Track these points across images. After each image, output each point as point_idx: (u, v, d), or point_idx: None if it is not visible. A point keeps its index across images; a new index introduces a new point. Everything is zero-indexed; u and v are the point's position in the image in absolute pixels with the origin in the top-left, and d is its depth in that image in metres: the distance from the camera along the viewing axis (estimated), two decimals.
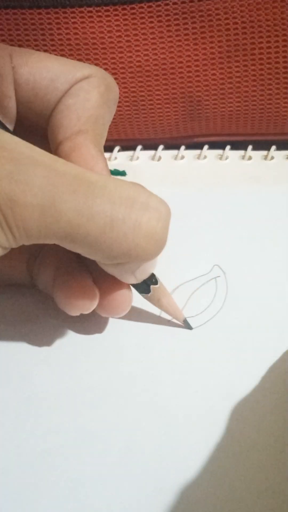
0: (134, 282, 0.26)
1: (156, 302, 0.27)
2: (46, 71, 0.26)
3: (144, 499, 0.23)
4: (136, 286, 0.27)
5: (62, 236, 0.21)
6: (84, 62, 0.35)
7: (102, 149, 0.26)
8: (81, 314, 0.26)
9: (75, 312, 0.26)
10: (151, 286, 0.27)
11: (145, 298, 0.27)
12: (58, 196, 0.20)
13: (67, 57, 0.35)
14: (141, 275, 0.25)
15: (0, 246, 0.21)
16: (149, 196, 0.22)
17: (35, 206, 0.20)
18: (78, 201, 0.21)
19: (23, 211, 0.20)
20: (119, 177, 0.36)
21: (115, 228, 0.21)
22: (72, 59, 0.35)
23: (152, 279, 0.27)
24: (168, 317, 0.28)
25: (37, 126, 0.27)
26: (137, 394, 0.26)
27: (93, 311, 0.26)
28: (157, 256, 0.23)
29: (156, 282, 0.27)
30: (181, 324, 0.28)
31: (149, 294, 0.27)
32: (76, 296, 0.25)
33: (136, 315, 0.28)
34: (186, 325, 0.28)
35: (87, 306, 0.26)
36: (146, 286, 0.27)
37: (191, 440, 0.24)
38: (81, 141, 0.25)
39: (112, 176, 0.26)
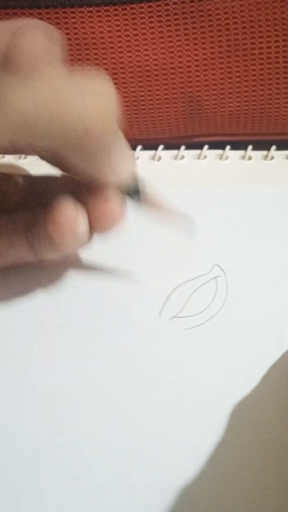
0: (117, 177, 0.26)
1: (153, 206, 0.27)
2: None
3: (144, 499, 0.23)
4: (127, 195, 0.27)
5: (17, 129, 0.21)
6: (84, 62, 0.35)
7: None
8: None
9: (72, 242, 0.26)
10: (141, 192, 0.27)
11: (141, 206, 0.27)
12: (4, 86, 0.21)
13: (67, 58, 0.35)
14: (118, 165, 0.25)
15: None
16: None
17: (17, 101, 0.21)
18: (23, 86, 0.21)
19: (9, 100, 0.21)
20: None
21: (63, 103, 0.21)
22: (72, 59, 0.35)
23: (137, 184, 0.27)
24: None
25: None
26: (137, 393, 0.26)
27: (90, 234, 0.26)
28: (111, 125, 0.23)
29: (142, 187, 0.27)
30: (184, 225, 0.28)
31: (142, 200, 0.27)
32: (64, 224, 0.25)
33: (135, 314, 0.29)
34: (191, 224, 0.28)
35: (78, 228, 0.25)
36: (135, 191, 0.27)
37: (191, 440, 0.24)
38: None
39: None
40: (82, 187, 0.26)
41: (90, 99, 0.22)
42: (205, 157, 0.37)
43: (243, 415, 0.25)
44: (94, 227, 0.26)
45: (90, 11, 0.33)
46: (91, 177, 0.25)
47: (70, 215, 0.25)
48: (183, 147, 0.37)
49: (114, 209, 0.26)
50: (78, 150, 0.23)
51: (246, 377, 0.26)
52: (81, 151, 0.23)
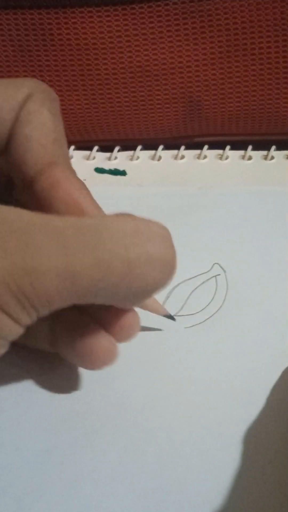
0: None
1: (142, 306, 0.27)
2: None
3: (143, 499, 0.23)
4: None
5: (83, 294, 0.20)
6: (84, 62, 0.35)
7: (74, 171, 0.25)
8: None
9: (99, 367, 0.25)
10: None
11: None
12: (73, 255, 0.20)
13: (67, 57, 0.35)
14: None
15: (21, 326, 0.21)
16: (146, 223, 0.21)
17: (53, 273, 0.19)
18: (92, 254, 0.20)
19: (42, 282, 0.19)
20: (119, 176, 0.36)
21: (133, 268, 0.20)
22: (72, 59, 0.35)
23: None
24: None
25: None
26: (136, 392, 0.26)
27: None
28: (172, 277, 0.23)
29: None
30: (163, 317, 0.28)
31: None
32: (97, 349, 0.24)
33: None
34: (170, 317, 0.28)
35: (112, 357, 0.24)
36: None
37: (190, 439, 0.24)
38: (58, 174, 0.24)
39: (101, 211, 0.25)
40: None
41: (156, 265, 0.21)
42: (205, 157, 0.37)
43: (244, 413, 0.25)
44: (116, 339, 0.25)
45: (90, 11, 0.34)
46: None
47: (107, 350, 0.24)
48: (183, 147, 0.37)
49: (134, 322, 0.25)
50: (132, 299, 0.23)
51: (246, 375, 0.26)
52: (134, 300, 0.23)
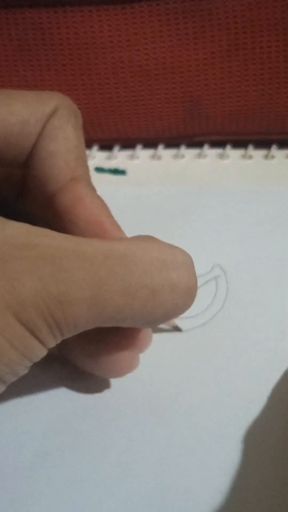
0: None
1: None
2: (15, 115, 0.24)
3: (143, 500, 0.23)
4: None
5: (107, 319, 0.21)
6: (83, 61, 0.35)
7: (95, 188, 0.25)
8: None
9: (122, 376, 0.25)
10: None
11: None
12: (102, 283, 0.20)
13: (67, 57, 0.35)
14: None
15: (46, 348, 0.21)
16: (171, 250, 0.22)
17: (84, 300, 0.20)
18: (120, 283, 0.20)
19: (73, 309, 0.20)
20: (119, 176, 0.36)
21: (157, 296, 0.21)
22: (72, 58, 0.35)
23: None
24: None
25: (8, 174, 0.26)
26: (135, 395, 0.26)
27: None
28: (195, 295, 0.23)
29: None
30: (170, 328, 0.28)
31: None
32: (121, 360, 0.25)
33: None
34: (176, 329, 0.28)
35: (135, 366, 0.25)
36: None
37: (190, 440, 0.24)
38: (80, 190, 0.24)
39: (120, 229, 0.25)
40: None
41: (179, 294, 0.22)
42: (205, 156, 0.37)
43: (245, 414, 0.25)
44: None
45: (90, 10, 0.33)
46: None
47: (130, 360, 0.25)
48: (183, 146, 0.37)
49: (149, 336, 0.26)
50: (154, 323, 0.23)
51: (247, 376, 0.26)
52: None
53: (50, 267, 0.20)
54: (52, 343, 0.21)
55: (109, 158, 0.37)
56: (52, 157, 0.24)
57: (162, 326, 0.28)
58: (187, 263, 0.22)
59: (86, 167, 0.25)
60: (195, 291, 0.23)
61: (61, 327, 0.20)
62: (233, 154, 0.37)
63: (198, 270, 0.30)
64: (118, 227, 0.25)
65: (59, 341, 0.21)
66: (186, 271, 0.22)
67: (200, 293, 0.29)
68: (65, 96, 0.26)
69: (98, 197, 0.25)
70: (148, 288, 0.21)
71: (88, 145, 0.38)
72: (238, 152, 0.37)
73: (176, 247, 0.23)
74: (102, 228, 0.24)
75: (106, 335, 0.24)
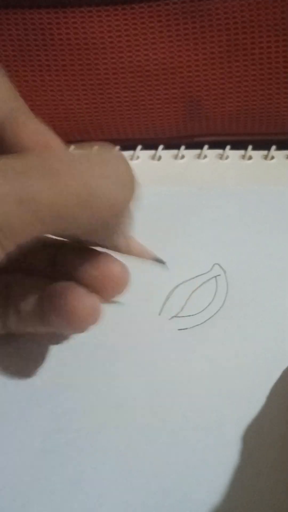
0: (124, 239, 0.25)
1: (125, 250, 0.27)
2: None
3: (143, 499, 0.23)
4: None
5: (46, 222, 0.21)
6: (84, 62, 0.35)
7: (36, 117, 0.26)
8: None
9: (83, 327, 0.25)
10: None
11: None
12: (24, 180, 0.20)
13: (67, 57, 0.35)
14: (126, 227, 0.25)
15: None
16: (97, 149, 0.22)
17: (9, 198, 0.20)
18: (45, 177, 0.20)
19: (1, 206, 0.20)
20: None
21: (89, 188, 0.21)
22: (72, 59, 0.35)
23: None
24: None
25: None
26: (136, 393, 0.26)
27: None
28: (134, 195, 0.23)
29: None
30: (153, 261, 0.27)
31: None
32: (78, 308, 0.24)
33: (135, 313, 0.28)
34: (159, 261, 0.27)
35: (95, 315, 0.24)
36: None
37: (191, 439, 0.24)
38: (21, 116, 0.25)
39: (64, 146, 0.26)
40: (88, 253, 0.26)
41: (113, 180, 0.21)
42: (205, 156, 0.37)
43: (244, 413, 0.25)
44: (101, 294, 0.25)
45: (90, 11, 0.33)
46: (101, 245, 0.25)
47: (92, 307, 0.24)
48: (183, 147, 0.37)
49: (121, 274, 0.25)
50: (100, 230, 0.23)
51: (246, 375, 0.26)
52: (103, 230, 0.23)
53: None
54: None
55: None
56: None
57: (141, 258, 0.27)
58: (115, 153, 0.22)
59: (21, 99, 0.26)
60: (131, 178, 0.22)
61: None
62: (232, 154, 0.37)
63: (198, 270, 0.30)
64: (65, 147, 0.25)
65: (1, 254, 0.21)
66: (116, 159, 0.22)
67: (200, 292, 0.30)
68: None
69: (39, 122, 0.25)
70: (76, 180, 0.21)
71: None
72: (238, 152, 0.37)
73: (98, 144, 0.23)
74: (50, 147, 0.24)
75: (66, 283, 0.24)
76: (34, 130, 0.24)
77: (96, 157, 0.22)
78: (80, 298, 0.24)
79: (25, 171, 0.21)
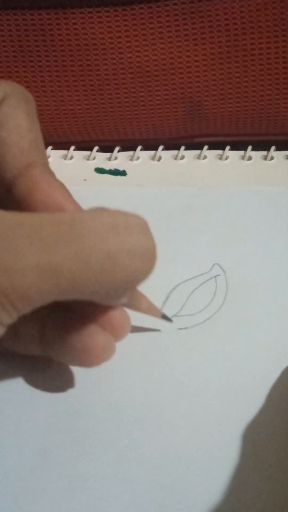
0: (133, 296, 0.25)
1: (134, 307, 0.26)
2: None
3: (143, 499, 0.23)
4: None
5: (64, 290, 0.20)
6: (84, 62, 0.35)
7: (53, 172, 0.25)
8: None
9: (96, 364, 0.24)
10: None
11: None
12: (49, 249, 0.20)
13: (67, 57, 0.35)
14: (132, 293, 0.25)
15: (2, 325, 0.21)
16: (123, 215, 0.21)
17: (31, 270, 0.19)
18: (69, 248, 0.20)
19: (20, 279, 0.19)
20: (119, 176, 0.36)
21: (113, 261, 0.20)
22: (72, 59, 0.35)
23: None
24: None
25: None
26: (136, 393, 0.26)
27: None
28: (154, 267, 0.22)
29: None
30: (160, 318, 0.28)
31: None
32: (94, 345, 0.24)
33: (135, 313, 0.28)
34: (166, 319, 0.28)
35: (109, 353, 0.24)
36: None
37: (190, 440, 0.24)
38: (35, 174, 0.24)
39: (78, 206, 0.25)
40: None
41: (138, 254, 0.21)
42: (205, 157, 0.37)
43: (243, 413, 0.25)
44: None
45: (90, 12, 0.34)
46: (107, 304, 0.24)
47: (104, 345, 0.24)
48: (183, 147, 0.37)
49: (123, 320, 0.25)
50: (112, 294, 0.22)
51: (245, 375, 0.26)
52: (115, 293, 0.22)
53: None
54: (7, 319, 0.20)
55: (109, 159, 0.37)
56: (4, 145, 0.24)
57: (150, 315, 0.27)
58: (141, 224, 0.21)
59: (42, 152, 0.25)
60: (154, 252, 0.22)
61: (12, 300, 0.20)
62: (232, 155, 0.37)
63: (198, 270, 0.30)
64: (80, 209, 0.24)
65: (15, 317, 0.20)
66: (141, 232, 0.21)
67: (199, 292, 0.30)
68: (15, 83, 0.26)
69: (56, 181, 0.24)
70: (102, 252, 0.20)
71: (89, 146, 0.38)
72: (238, 153, 0.37)
73: (128, 212, 0.22)
74: (62, 209, 0.23)
75: (77, 320, 0.24)
76: (47, 191, 0.24)
77: (122, 228, 0.21)
78: (93, 336, 0.24)
79: (51, 241, 0.20)
